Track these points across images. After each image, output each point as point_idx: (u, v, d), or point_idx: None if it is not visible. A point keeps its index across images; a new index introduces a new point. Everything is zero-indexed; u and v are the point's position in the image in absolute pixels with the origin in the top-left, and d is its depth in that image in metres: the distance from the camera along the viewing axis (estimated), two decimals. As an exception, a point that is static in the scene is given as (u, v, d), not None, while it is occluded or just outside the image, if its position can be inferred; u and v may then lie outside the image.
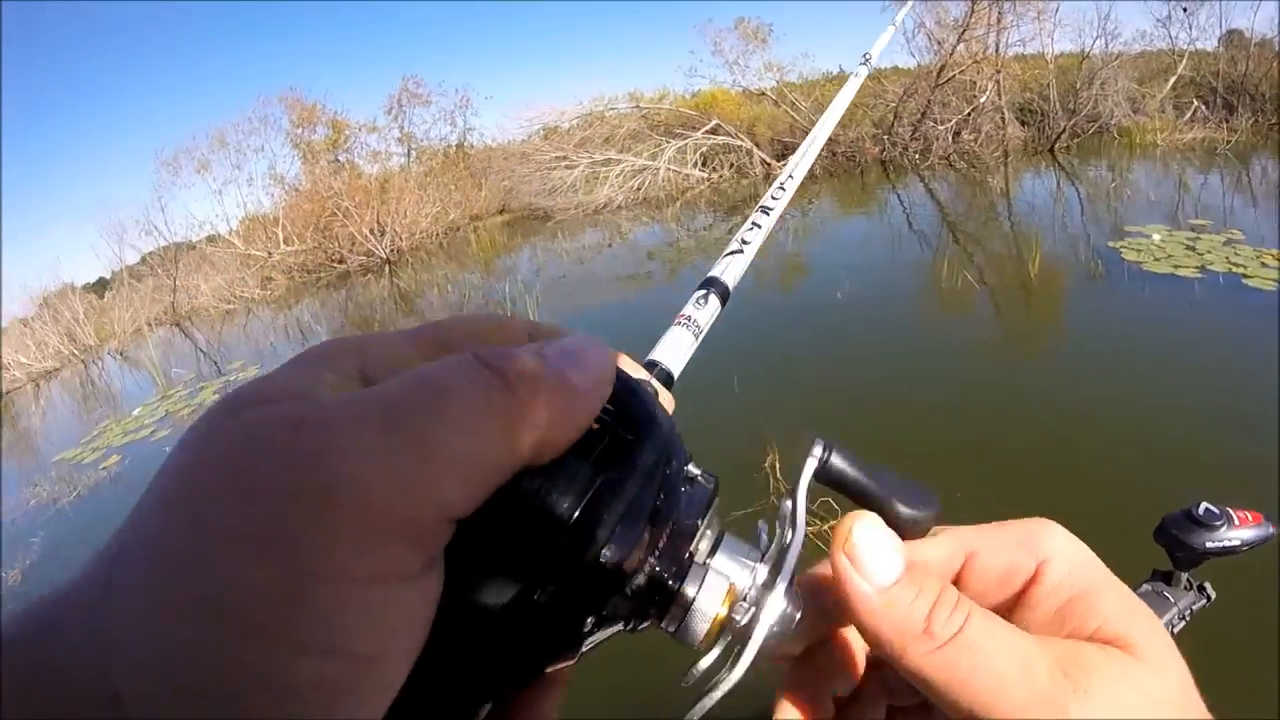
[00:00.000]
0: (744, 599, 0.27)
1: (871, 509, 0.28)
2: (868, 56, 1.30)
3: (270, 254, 14.50)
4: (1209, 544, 1.11)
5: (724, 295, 0.56)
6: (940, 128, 11.24)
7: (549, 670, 0.24)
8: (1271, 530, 1.12)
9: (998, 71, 10.85)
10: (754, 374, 4.01)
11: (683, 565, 0.26)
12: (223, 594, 0.15)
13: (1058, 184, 8.88)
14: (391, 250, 13.73)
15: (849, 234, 8.25)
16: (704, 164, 13.52)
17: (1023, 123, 11.46)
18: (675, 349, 0.48)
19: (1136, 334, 4.12)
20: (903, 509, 0.29)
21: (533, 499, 0.21)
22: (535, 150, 14.37)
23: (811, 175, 11.78)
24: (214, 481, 0.17)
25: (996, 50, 10.94)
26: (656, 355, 0.46)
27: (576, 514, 0.21)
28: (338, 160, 16.98)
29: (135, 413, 7.61)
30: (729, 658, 0.27)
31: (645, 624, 0.26)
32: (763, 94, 13.75)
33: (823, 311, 5.43)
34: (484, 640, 0.21)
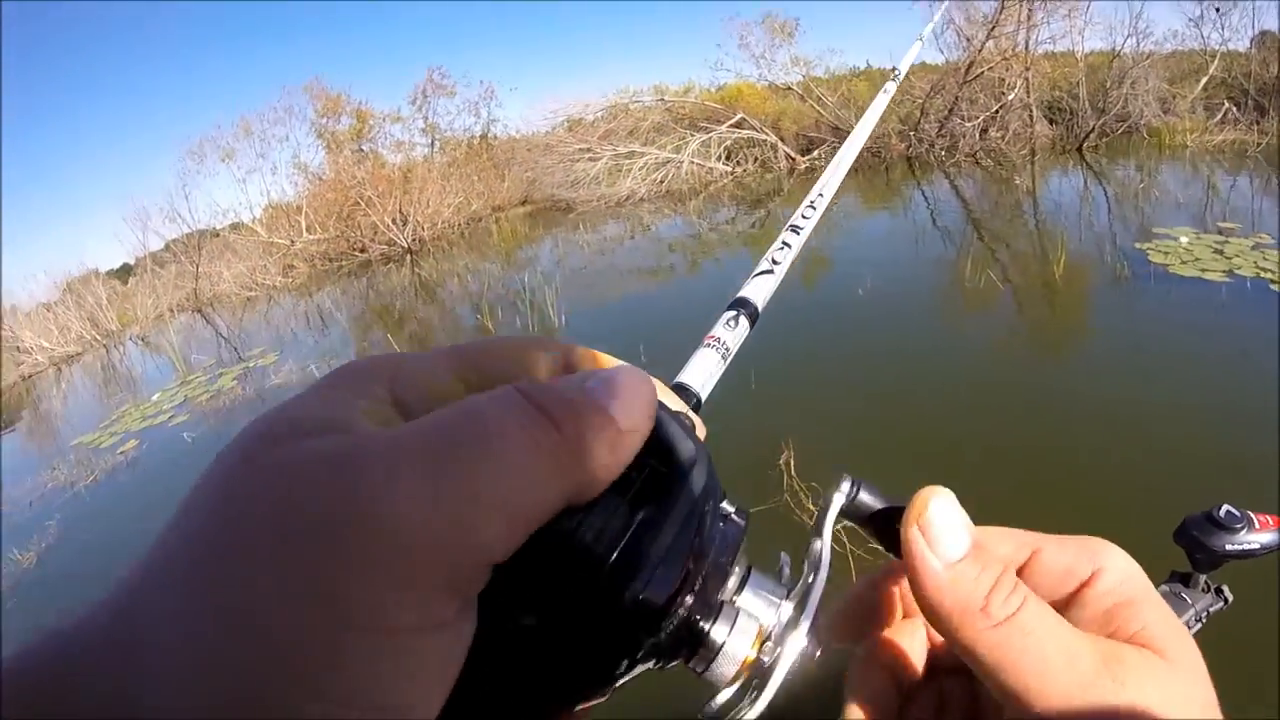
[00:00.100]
0: (769, 638, 0.27)
1: (897, 549, 0.28)
2: (896, 72, 1.31)
3: (293, 242, 14.63)
4: (1229, 546, 1.10)
5: (753, 317, 0.56)
6: (967, 125, 11.13)
7: (578, 709, 0.24)
8: (1292, 535, 1.11)
9: (1027, 69, 10.70)
10: (772, 369, 3.98)
11: (714, 606, 0.26)
12: (258, 641, 0.15)
13: (1085, 184, 8.76)
14: (413, 240, 13.82)
15: (872, 230, 8.19)
16: (728, 158, 13.50)
17: (1051, 121, 11.32)
18: (703, 371, 0.48)
19: (1161, 336, 4.07)
20: None
21: (570, 538, 0.20)
22: (559, 142, 14.38)
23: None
24: (251, 521, 0.16)
25: (1026, 47, 10.78)
26: (685, 378, 0.46)
27: (615, 555, 0.20)
28: (361, 150, 17.09)
29: (154, 398, 7.70)
30: (747, 690, 0.27)
31: (675, 663, 0.26)
32: (789, 88, 13.64)
33: (844, 308, 5.40)
34: (515, 680, 0.21)
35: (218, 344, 9.85)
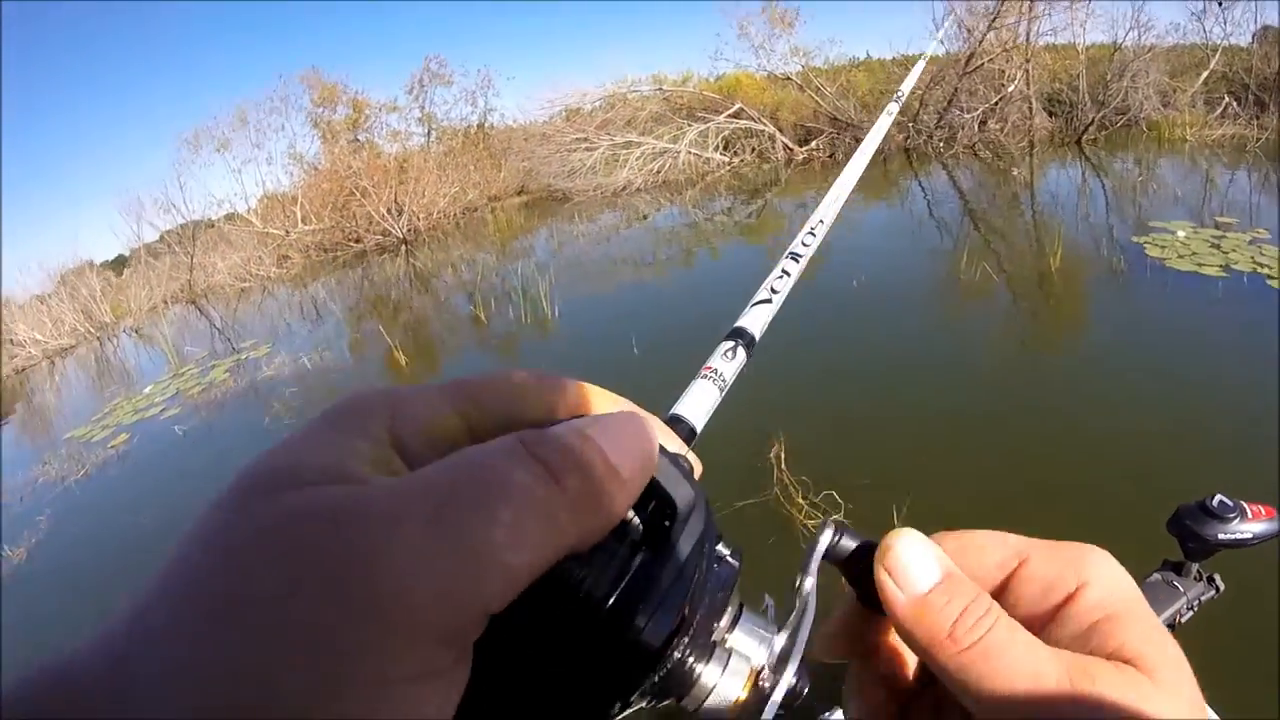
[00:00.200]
0: (760, 678, 0.28)
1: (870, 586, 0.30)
2: (899, 94, 1.33)
3: (288, 232, 14.60)
4: (1221, 536, 1.11)
5: (750, 346, 0.57)
6: (966, 116, 11.13)
7: None
8: (1284, 525, 1.11)
9: (1027, 61, 10.70)
10: (761, 361, 3.92)
11: (708, 646, 0.27)
12: (260, 691, 0.15)
13: (1083, 176, 8.78)
14: (408, 230, 13.80)
15: (869, 221, 8.17)
16: (725, 148, 13.49)
17: (1050, 113, 11.33)
18: (700, 404, 0.48)
19: (1157, 330, 4.08)
20: None
21: (568, 582, 0.20)
22: (556, 131, 14.36)
23: (834, 160, 11.75)
24: (250, 574, 0.17)
25: (1027, 39, 10.77)
26: (681, 410, 0.46)
27: (613, 599, 0.21)
28: (357, 140, 17.05)
29: (146, 390, 7.70)
30: None
31: (667, 701, 0.26)
32: (788, 79, 13.61)
33: (837, 299, 5.38)
34: None
35: (211, 336, 9.82)
